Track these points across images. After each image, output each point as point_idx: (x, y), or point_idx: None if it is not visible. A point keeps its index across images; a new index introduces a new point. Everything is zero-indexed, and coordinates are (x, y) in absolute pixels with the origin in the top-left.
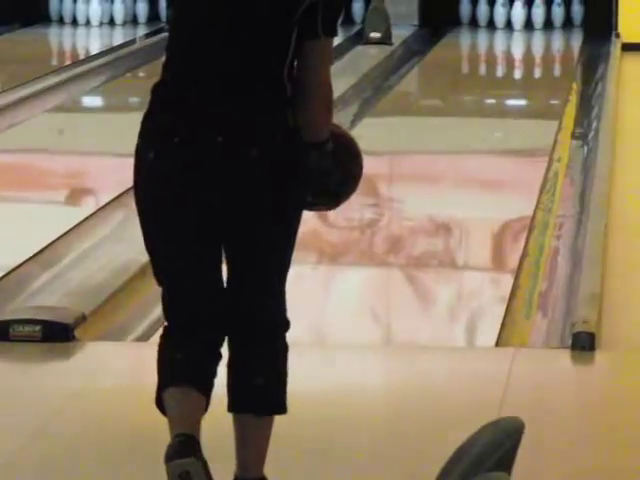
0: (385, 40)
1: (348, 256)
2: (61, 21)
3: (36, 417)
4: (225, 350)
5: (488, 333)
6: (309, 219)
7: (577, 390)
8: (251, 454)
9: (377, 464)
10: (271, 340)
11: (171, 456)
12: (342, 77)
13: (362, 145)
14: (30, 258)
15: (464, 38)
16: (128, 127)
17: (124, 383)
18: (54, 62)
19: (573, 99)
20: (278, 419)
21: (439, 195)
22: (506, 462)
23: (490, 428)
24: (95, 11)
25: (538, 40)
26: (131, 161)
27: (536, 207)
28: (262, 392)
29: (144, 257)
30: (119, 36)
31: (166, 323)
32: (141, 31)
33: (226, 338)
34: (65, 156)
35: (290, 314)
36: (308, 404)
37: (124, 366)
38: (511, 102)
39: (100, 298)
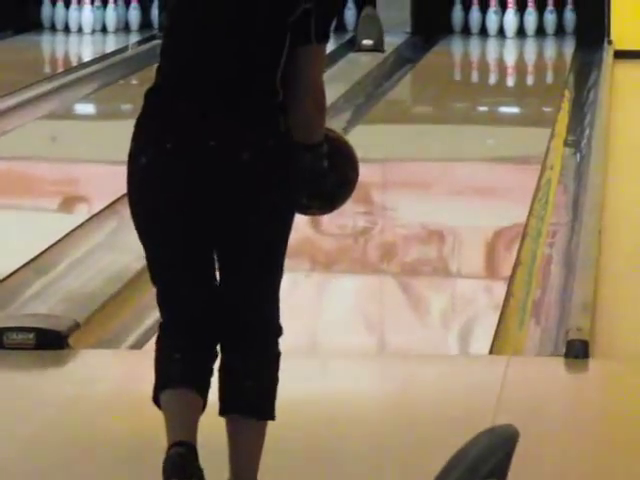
0: (377, 47)
1: (341, 264)
2: (53, 28)
3: (30, 425)
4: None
5: (482, 341)
6: (302, 226)
7: (571, 398)
8: (242, 460)
9: (371, 472)
10: (263, 345)
11: (169, 474)
12: (334, 84)
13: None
14: (23, 265)
15: (456, 45)
16: (121, 134)
17: (118, 391)
18: (46, 69)
19: (565, 106)
20: (272, 427)
21: (432, 202)
22: (500, 470)
23: (484, 436)
24: (87, 18)
25: (530, 47)
26: (124, 169)
27: (529, 215)
28: (251, 394)
29: (138, 264)
30: (111, 43)
31: (162, 321)
32: (133, 38)
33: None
34: (58, 163)
35: (284, 321)
36: (301, 412)
37: (118, 374)
38: (503, 109)
39: (94, 306)
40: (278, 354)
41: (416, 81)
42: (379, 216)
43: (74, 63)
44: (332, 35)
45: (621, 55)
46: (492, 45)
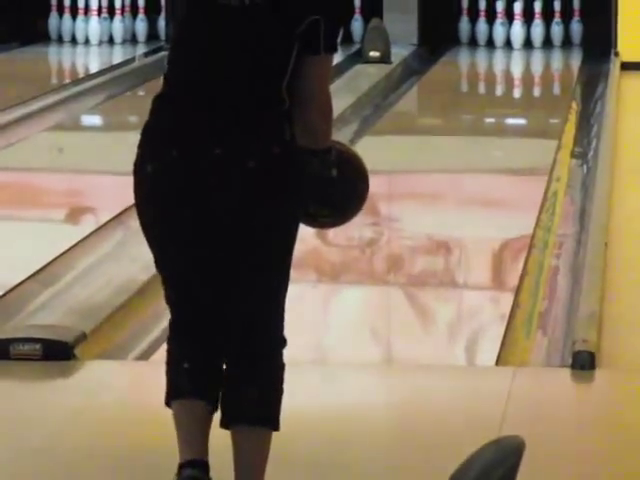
0: (384, 59)
1: (348, 275)
2: (60, 40)
3: (37, 436)
4: None
5: (488, 352)
6: (309, 237)
7: (577, 409)
8: (247, 471)
9: None
10: (266, 356)
11: None
12: (341, 96)
13: None
14: (30, 276)
15: (463, 57)
16: (128, 146)
17: (124, 402)
18: (53, 81)
19: (572, 118)
20: (278, 437)
21: (439, 214)
22: None
23: (491, 447)
24: (94, 30)
25: (537, 59)
26: (131, 180)
27: (536, 226)
28: (255, 403)
29: (144, 275)
30: (118, 55)
31: (171, 321)
32: (140, 50)
33: None
34: (65, 175)
35: (290, 332)
36: (308, 422)
37: (124, 385)
38: (510, 121)
39: (100, 317)
40: (282, 365)
41: (423, 92)
42: (386, 227)
43: (81, 74)
44: (339, 46)
45: (628, 67)
46: (499, 57)
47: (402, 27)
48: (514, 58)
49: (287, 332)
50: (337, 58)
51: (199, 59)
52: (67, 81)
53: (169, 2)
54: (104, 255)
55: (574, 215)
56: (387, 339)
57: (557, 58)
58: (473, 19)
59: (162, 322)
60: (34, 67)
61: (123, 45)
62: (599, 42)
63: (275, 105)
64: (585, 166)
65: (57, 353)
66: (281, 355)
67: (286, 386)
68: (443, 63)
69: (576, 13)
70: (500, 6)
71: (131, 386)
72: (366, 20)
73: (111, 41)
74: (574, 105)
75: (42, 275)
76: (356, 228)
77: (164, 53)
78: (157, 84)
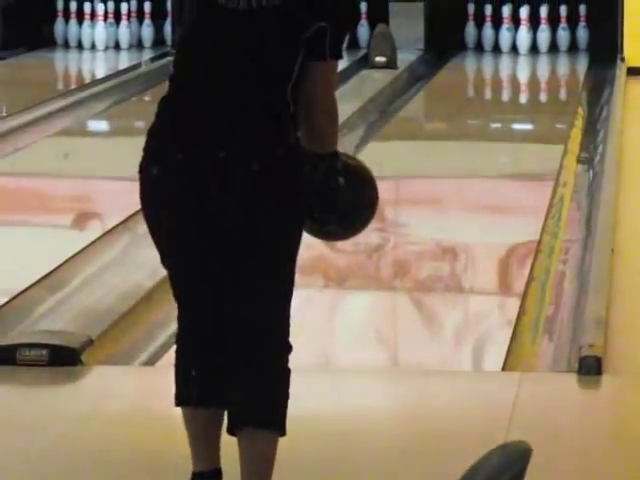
0: (390, 64)
1: (354, 280)
2: (66, 45)
3: (43, 441)
4: None
5: (494, 357)
6: (315, 243)
7: (584, 414)
8: (254, 475)
9: None
10: (271, 362)
11: None
12: (347, 101)
13: None
14: (36, 282)
15: (469, 62)
16: (134, 151)
17: (131, 407)
18: (60, 86)
19: (579, 123)
20: (284, 442)
21: (445, 219)
22: None
23: (497, 452)
24: (100, 35)
25: (543, 64)
26: (137, 185)
27: (542, 231)
28: (261, 405)
29: (150, 281)
30: (125, 60)
31: (179, 324)
32: (147, 55)
33: None
34: (71, 180)
35: (297, 337)
36: (314, 427)
37: (131, 390)
38: (516, 126)
39: (107, 322)
40: (287, 370)
41: (429, 98)
42: (392, 233)
43: (87, 80)
44: (345, 52)
45: (634, 72)
46: (505, 62)
47: (408, 32)
48: (520, 63)
49: (293, 337)
50: (343, 63)
51: (205, 62)
52: (73, 86)
53: (175, 7)
54: (110, 261)
55: (580, 220)
56: (393, 344)
57: (563, 63)
58: (479, 24)
59: (168, 328)
60: (40, 72)
61: (129, 50)
62: (605, 47)
63: (280, 109)
64: (591, 171)
65: (63, 359)
66: (286, 360)
67: (292, 391)
68: (449, 68)
69: (582, 18)
70: (506, 11)
71: (137, 392)
72: (372, 25)
73: (117, 46)
74: (580, 110)
75: (48, 281)
76: (362, 234)
77: (170, 58)
78: (163, 89)
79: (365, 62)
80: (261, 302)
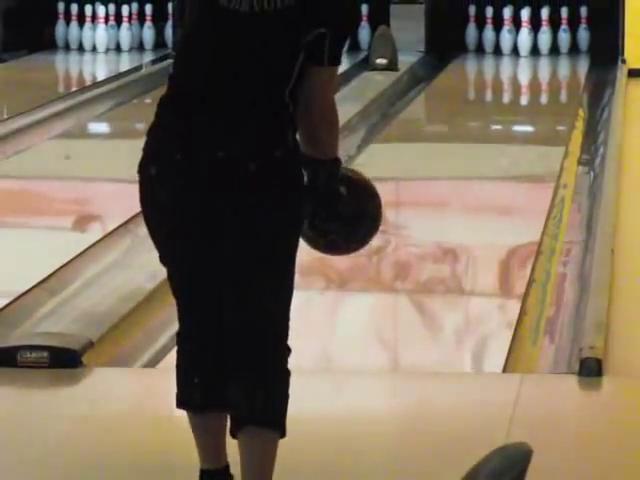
0: (391, 66)
1: (355, 282)
2: (67, 47)
3: (44, 443)
4: None
5: (495, 359)
6: None
7: (584, 416)
8: (254, 476)
9: None
10: (270, 364)
11: None
12: (348, 103)
13: (368, 171)
14: (37, 284)
15: (470, 64)
16: (135, 153)
17: (132, 409)
18: (61, 88)
19: (579, 125)
20: (285, 444)
21: (446, 221)
22: None
23: (498, 454)
24: (101, 37)
25: (544, 66)
26: (137, 187)
27: (543, 233)
28: (261, 406)
29: (151, 284)
30: (126, 62)
31: (179, 327)
32: (148, 57)
33: None
34: (72, 182)
35: (297, 339)
36: (315, 429)
37: (132, 392)
38: (517, 128)
39: (107, 324)
40: (287, 371)
41: (430, 100)
42: (393, 235)
43: (88, 82)
44: (346, 54)
45: (635, 74)
46: (506, 64)
47: (409, 34)
48: (521, 65)
49: (294, 339)
50: (344, 65)
51: (205, 62)
52: (74, 89)
53: (176, 10)
54: (111, 263)
55: (581, 222)
56: (394, 346)
57: (564, 65)
58: (480, 26)
59: (169, 330)
60: (41, 75)
61: (130, 53)
62: (606, 49)
63: (278, 109)
64: (592, 173)
65: (64, 361)
66: (286, 362)
67: (293, 393)
68: (450, 70)
69: (583, 20)
70: (507, 13)
71: (138, 394)
72: (373, 27)
73: (118, 49)
74: (581, 112)
75: (49, 283)
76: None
77: (171, 61)
78: (164, 92)
79: (366, 64)
80: (260, 303)
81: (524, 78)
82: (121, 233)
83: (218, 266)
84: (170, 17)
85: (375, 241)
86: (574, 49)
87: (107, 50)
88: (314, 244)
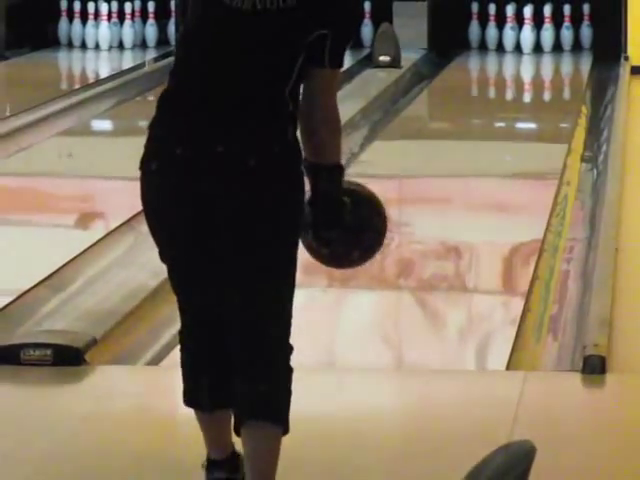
0: (394, 64)
1: (358, 279)
2: (70, 45)
3: (47, 441)
4: None
5: (499, 356)
6: None
7: (588, 413)
8: (258, 471)
9: None
10: (271, 362)
11: None
12: (351, 100)
13: (372, 169)
14: (40, 282)
15: (473, 61)
16: (138, 151)
17: (135, 407)
18: (64, 86)
19: (582, 122)
20: (288, 442)
21: (449, 218)
22: None
23: (501, 452)
24: (104, 35)
25: (547, 63)
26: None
27: (546, 230)
28: (264, 399)
29: (154, 281)
30: (128, 60)
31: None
32: (150, 55)
33: None
34: (75, 180)
35: (300, 337)
36: (318, 427)
37: (135, 390)
38: (520, 125)
39: (111, 322)
40: (290, 368)
41: (433, 97)
42: (396, 232)
43: (91, 80)
44: (349, 51)
45: (638, 71)
46: (509, 61)
47: (412, 31)
48: (524, 62)
49: (297, 337)
50: (347, 63)
51: (206, 58)
52: (77, 86)
53: (179, 7)
54: (114, 260)
55: (584, 219)
56: (397, 344)
57: (567, 62)
58: (483, 23)
59: (172, 327)
60: (44, 72)
61: (133, 50)
62: (609, 46)
63: (278, 106)
64: (595, 170)
65: (68, 358)
66: (288, 360)
67: (296, 391)
68: (453, 68)
69: (586, 17)
70: (510, 10)
71: (142, 391)
72: (376, 25)
73: (121, 46)
74: (584, 109)
75: (52, 280)
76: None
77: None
78: (165, 87)
79: (369, 61)
80: (261, 301)
81: (527, 75)
82: (124, 231)
83: (217, 262)
84: (173, 14)
85: None
86: (577, 46)
87: (110, 47)
88: (317, 255)
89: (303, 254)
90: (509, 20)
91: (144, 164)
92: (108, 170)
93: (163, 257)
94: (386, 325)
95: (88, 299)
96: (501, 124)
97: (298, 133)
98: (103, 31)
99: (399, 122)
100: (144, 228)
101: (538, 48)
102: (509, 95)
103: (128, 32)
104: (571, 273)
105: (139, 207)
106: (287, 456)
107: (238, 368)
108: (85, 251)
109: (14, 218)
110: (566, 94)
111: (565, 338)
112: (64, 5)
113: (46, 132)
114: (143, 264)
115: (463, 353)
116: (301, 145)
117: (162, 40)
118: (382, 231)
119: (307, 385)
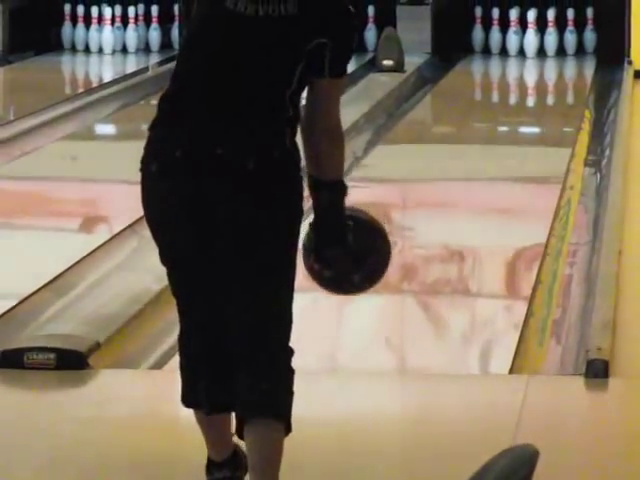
0: (398, 68)
1: None
2: (74, 49)
3: (50, 445)
4: None
5: (502, 360)
6: None
7: (591, 417)
8: (262, 470)
9: None
10: (273, 364)
11: None
12: (355, 104)
13: (375, 173)
14: (44, 286)
15: (477, 65)
16: (141, 154)
17: (138, 411)
18: (67, 90)
19: (586, 126)
20: (291, 445)
21: (452, 222)
22: None
23: (504, 456)
24: (108, 39)
25: (551, 67)
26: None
27: (549, 234)
28: (266, 398)
29: (157, 285)
30: (132, 64)
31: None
32: (154, 59)
33: None
34: (78, 184)
35: (304, 341)
36: (321, 431)
37: (138, 394)
38: (524, 129)
39: (114, 326)
40: (292, 370)
41: (436, 101)
42: (399, 236)
43: (94, 84)
44: (352, 57)
45: None
46: (512, 65)
47: (415, 36)
48: (527, 66)
49: (300, 340)
50: (350, 67)
51: (207, 62)
52: (81, 90)
53: (182, 11)
54: (118, 264)
55: (588, 223)
56: (400, 348)
57: (570, 66)
58: (486, 28)
59: (175, 332)
60: (48, 76)
61: (136, 54)
62: (612, 50)
63: (278, 111)
64: (599, 174)
65: (71, 362)
66: (289, 362)
67: (299, 394)
68: (456, 72)
69: (589, 21)
70: (513, 14)
71: (145, 395)
72: (379, 29)
73: (124, 50)
74: (587, 113)
75: (56, 284)
76: None
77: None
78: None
79: (372, 65)
80: (259, 304)
81: (530, 79)
82: (127, 234)
83: (216, 265)
84: (176, 18)
85: None
86: (580, 50)
87: (113, 51)
88: (319, 278)
89: None
90: (512, 24)
91: (144, 166)
92: (112, 174)
93: (163, 259)
94: (389, 329)
95: (91, 303)
96: (504, 128)
97: (298, 137)
98: (106, 35)
99: (403, 126)
100: (147, 232)
101: (541, 52)
102: (512, 99)
103: (132, 36)
104: (574, 277)
105: (142, 211)
106: (290, 459)
107: (239, 369)
108: (88, 255)
109: (18, 222)
110: (569, 98)
111: (568, 342)
112: (67, 9)
113: (50, 136)
114: (146, 268)
115: (466, 357)
116: (301, 151)
117: (166, 44)
118: (386, 255)
119: (310, 388)
